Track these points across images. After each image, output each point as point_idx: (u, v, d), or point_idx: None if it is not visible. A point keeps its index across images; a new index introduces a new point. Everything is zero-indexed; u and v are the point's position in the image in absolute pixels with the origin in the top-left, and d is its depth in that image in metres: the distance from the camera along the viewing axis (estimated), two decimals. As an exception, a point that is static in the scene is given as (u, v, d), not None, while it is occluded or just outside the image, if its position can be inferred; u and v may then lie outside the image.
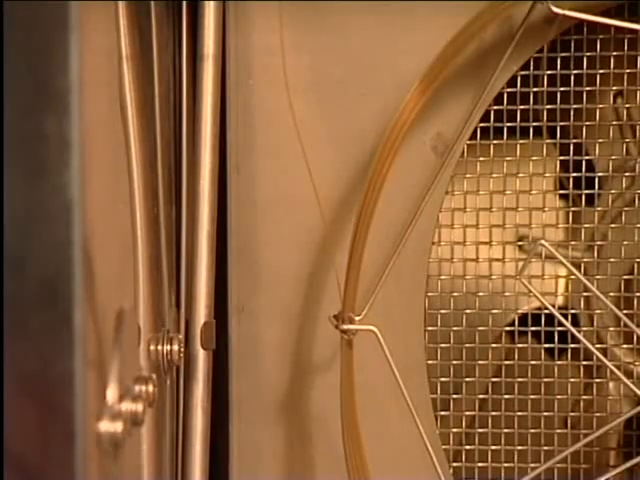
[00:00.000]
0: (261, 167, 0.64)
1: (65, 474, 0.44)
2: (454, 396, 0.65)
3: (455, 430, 0.65)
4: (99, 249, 0.49)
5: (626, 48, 0.62)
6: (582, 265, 0.64)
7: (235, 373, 0.65)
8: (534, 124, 0.63)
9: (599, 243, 0.64)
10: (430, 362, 0.64)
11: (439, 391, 0.64)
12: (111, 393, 0.49)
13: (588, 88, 0.62)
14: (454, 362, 0.64)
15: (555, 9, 0.57)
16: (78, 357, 0.44)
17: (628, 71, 0.62)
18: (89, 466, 0.46)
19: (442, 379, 0.64)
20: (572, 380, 0.64)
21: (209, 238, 0.63)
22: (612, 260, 0.63)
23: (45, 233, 0.44)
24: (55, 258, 0.44)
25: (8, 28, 0.44)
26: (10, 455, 0.44)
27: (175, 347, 0.61)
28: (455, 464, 0.64)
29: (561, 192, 0.65)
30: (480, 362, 0.64)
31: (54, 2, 0.44)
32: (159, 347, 0.60)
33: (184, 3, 0.62)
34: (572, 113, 0.63)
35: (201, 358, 0.63)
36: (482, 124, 0.62)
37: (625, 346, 0.64)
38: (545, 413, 0.64)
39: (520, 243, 0.64)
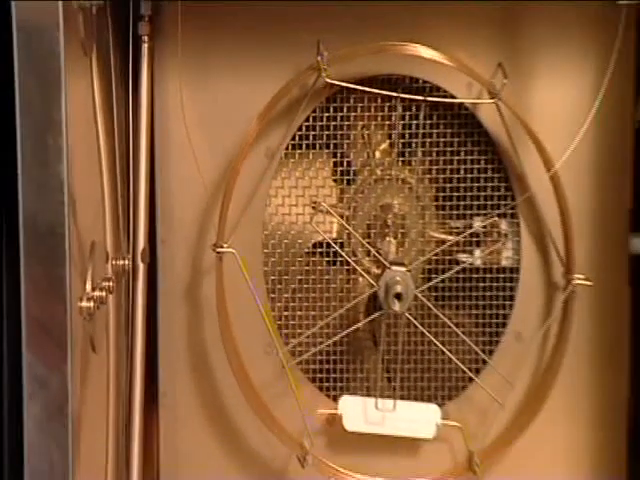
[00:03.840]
0: (174, 164, 0.65)
1: (61, 330, 0.47)
2: (278, 286, 0.65)
3: (279, 304, 0.65)
4: (81, 206, 0.50)
5: (366, 101, 0.63)
6: (344, 216, 0.65)
7: (162, 277, 0.66)
8: (319, 142, 0.64)
9: (353, 205, 0.65)
10: (266, 269, 0.65)
11: (270, 284, 0.65)
12: (88, 285, 0.51)
13: (347, 123, 0.64)
14: (278, 268, 0.65)
15: (328, 80, 0.58)
16: (68, 266, 0.47)
17: (368, 114, 0.64)
18: (76, 326, 0.48)
19: (272, 277, 0.65)
20: (340, 277, 0.65)
21: (146, 201, 0.65)
22: (360, 213, 0.65)
23: (47, 199, 0.46)
24: (54, 211, 0.46)
25: (22, 80, 0.45)
26: (28, 320, 0.46)
27: (126, 262, 0.64)
28: (279, 322, 0.65)
29: (334, 178, 0.65)
30: (292, 268, 0.65)
31: (52, 67, 0.45)
32: (118, 262, 0.62)
33: (130, 74, 0.62)
34: (340, 136, 0.64)
35: (141, 268, 0.65)
36: (292, 142, 0.64)
37: (367, 258, 0.65)
38: (326, 295, 0.65)
39: (313, 206, 0.65)
